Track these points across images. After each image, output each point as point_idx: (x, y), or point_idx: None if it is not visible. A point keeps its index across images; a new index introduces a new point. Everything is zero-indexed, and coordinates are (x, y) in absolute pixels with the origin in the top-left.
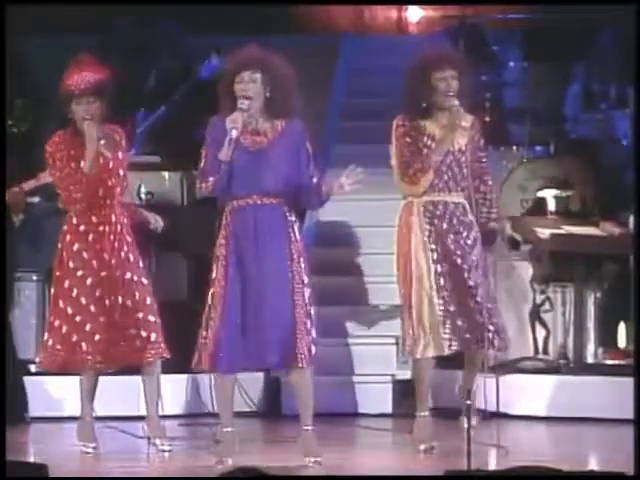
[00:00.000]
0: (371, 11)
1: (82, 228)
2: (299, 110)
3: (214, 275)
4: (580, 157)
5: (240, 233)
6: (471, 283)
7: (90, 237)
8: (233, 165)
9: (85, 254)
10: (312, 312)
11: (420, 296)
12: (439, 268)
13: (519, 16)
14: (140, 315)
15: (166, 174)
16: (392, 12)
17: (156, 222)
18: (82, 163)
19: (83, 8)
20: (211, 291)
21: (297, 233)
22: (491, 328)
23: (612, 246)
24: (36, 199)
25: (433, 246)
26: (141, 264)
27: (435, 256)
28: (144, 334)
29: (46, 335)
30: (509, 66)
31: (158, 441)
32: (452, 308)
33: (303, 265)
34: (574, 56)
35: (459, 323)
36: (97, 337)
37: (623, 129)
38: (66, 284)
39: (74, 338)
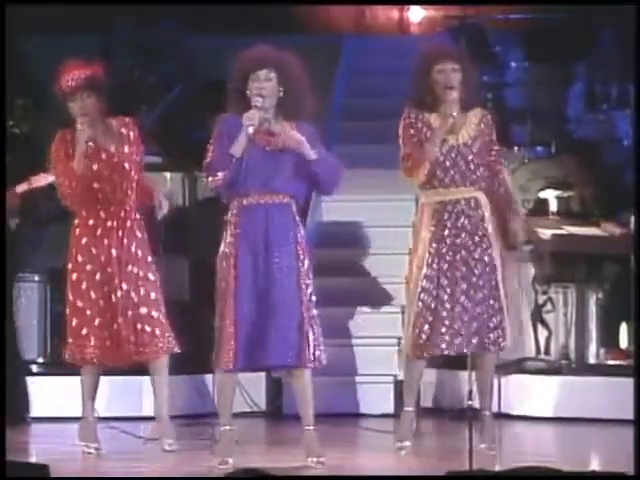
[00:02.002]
0: (372, 11)
1: (91, 222)
2: (312, 111)
3: (225, 272)
4: (581, 157)
5: (250, 231)
6: (473, 284)
7: (98, 232)
8: (248, 164)
9: (93, 249)
10: (315, 313)
11: (419, 296)
12: (441, 269)
13: (520, 16)
14: (144, 311)
15: (168, 175)
16: (394, 12)
17: (160, 209)
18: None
19: (83, 8)
20: (222, 288)
21: (302, 234)
22: (492, 327)
23: (613, 246)
24: (37, 200)
25: (436, 249)
26: (149, 259)
27: (438, 261)
28: (148, 329)
29: (67, 330)
30: (510, 66)
31: (165, 441)
32: (452, 309)
33: (307, 266)
34: (575, 56)
35: (458, 324)
36: (105, 333)
37: (624, 129)
38: (74, 277)
39: (84, 331)
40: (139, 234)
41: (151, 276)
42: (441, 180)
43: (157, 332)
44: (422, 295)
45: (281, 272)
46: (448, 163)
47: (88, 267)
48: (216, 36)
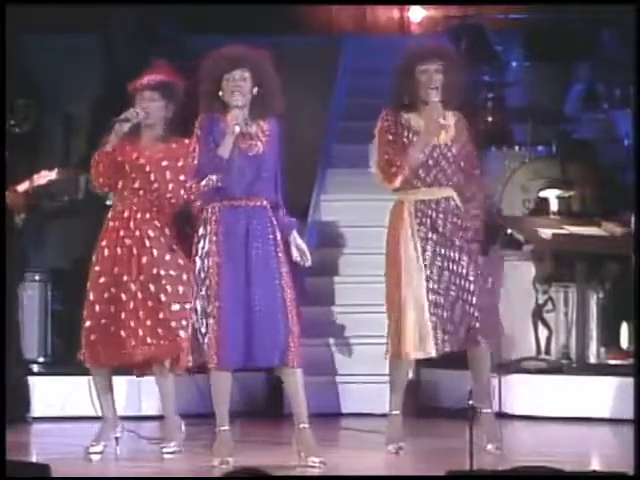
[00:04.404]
0: (373, 11)
1: (126, 214)
2: (282, 108)
3: (206, 272)
4: (582, 157)
5: (231, 232)
6: (462, 283)
7: (128, 225)
8: (231, 168)
9: (119, 249)
10: (295, 313)
11: (409, 299)
12: (429, 271)
13: (521, 16)
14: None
15: None
16: (394, 12)
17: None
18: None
19: (83, 8)
20: (205, 287)
21: (279, 236)
22: (478, 325)
23: (614, 246)
24: (35, 201)
25: (422, 247)
26: (168, 257)
27: (425, 258)
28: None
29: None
30: (511, 66)
31: (173, 443)
32: (441, 311)
33: (287, 268)
34: (576, 56)
35: (449, 324)
36: (93, 336)
37: (625, 129)
38: (96, 274)
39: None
40: (148, 243)
41: (172, 272)
42: (423, 179)
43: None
44: (418, 296)
45: (262, 273)
46: (431, 162)
47: (97, 268)
48: (216, 36)
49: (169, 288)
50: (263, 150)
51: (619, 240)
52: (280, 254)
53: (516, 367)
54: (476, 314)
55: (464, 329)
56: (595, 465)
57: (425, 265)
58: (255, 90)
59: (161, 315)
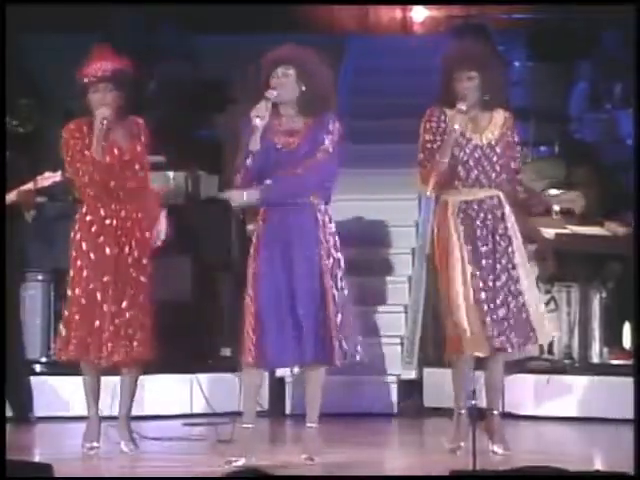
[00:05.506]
0: (376, 11)
1: (88, 218)
2: (334, 106)
3: (253, 273)
4: (585, 157)
5: (277, 231)
6: (509, 282)
7: (93, 229)
8: (267, 165)
9: (84, 245)
10: (341, 310)
11: (458, 298)
12: (475, 269)
13: (524, 16)
14: (129, 314)
15: (171, 174)
16: (397, 12)
17: (158, 238)
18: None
19: (83, 8)
20: (251, 288)
21: (327, 231)
22: (532, 324)
23: (617, 246)
24: (42, 199)
25: (468, 247)
26: (145, 262)
27: (470, 257)
28: (130, 332)
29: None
30: (514, 66)
31: (123, 443)
32: (494, 310)
33: (332, 264)
34: (579, 56)
35: (500, 322)
36: (76, 332)
37: (628, 129)
38: (71, 272)
39: (62, 330)
40: (139, 234)
41: (142, 278)
42: (464, 180)
43: (137, 335)
44: (467, 295)
45: (305, 272)
46: (472, 162)
47: (78, 263)
48: (218, 36)
49: (142, 292)
50: (296, 146)
51: (621, 240)
52: (324, 253)
53: (519, 367)
54: (531, 314)
55: (520, 328)
56: (597, 465)
57: (471, 265)
58: (301, 87)
59: (142, 318)
